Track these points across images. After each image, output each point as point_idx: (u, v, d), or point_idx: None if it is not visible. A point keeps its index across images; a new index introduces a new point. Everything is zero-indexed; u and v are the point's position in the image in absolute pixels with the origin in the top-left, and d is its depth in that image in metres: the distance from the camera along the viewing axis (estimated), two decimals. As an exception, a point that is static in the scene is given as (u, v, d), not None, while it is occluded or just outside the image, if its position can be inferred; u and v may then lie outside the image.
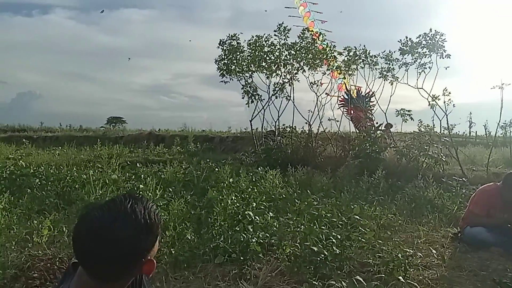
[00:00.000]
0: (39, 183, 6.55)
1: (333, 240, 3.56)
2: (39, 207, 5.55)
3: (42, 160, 9.72)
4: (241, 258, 3.74)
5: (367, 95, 11.61)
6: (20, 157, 9.94)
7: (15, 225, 4.53)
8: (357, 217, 4.14)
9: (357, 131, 11.00)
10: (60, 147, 14.14)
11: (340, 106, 11.72)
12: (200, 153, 13.59)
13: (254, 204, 4.77)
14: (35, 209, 5.44)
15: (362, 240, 3.92)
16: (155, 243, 1.30)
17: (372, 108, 11.57)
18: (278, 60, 11.35)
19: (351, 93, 11.58)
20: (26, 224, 4.63)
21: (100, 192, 5.66)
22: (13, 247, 3.78)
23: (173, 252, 3.73)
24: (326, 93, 11.06)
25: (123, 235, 1.19)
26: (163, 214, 4.63)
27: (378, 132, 9.90)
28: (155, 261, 1.30)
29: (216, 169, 8.25)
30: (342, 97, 11.91)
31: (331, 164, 9.26)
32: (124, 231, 1.20)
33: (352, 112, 11.56)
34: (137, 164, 9.95)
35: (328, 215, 4.42)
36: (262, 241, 4.01)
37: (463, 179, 7.58)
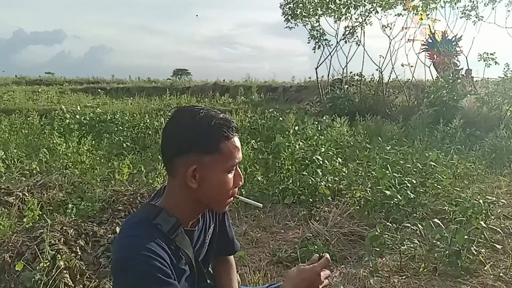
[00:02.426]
0: (116, 129, 6.99)
1: (408, 184, 3.43)
2: (117, 151, 5.96)
3: (116, 108, 10.31)
4: (310, 200, 3.76)
5: (453, 38, 10.57)
6: (97, 105, 10.62)
7: (98, 166, 4.92)
8: (433, 163, 3.93)
9: (440, 77, 10.16)
10: (131, 97, 14.87)
11: (422, 50, 10.83)
12: (264, 103, 13.60)
13: (323, 149, 4.70)
14: (114, 152, 5.85)
15: (438, 187, 3.74)
16: (208, 159, 1.21)
17: (458, 53, 10.53)
18: (348, 1, 10.68)
19: (436, 36, 10.60)
20: (107, 165, 5.01)
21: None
22: (98, 184, 4.12)
23: (243, 192, 3.84)
24: (408, 39, 10.28)
25: (179, 125, 1.22)
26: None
27: (457, 78, 9.10)
28: (194, 169, 1.19)
29: (280, 118, 8.22)
30: (425, 40, 10.96)
31: (403, 113, 8.84)
32: (183, 121, 1.22)
33: (435, 56, 10.66)
34: (205, 112, 10.18)
35: (401, 161, 4.25)
36: (331, 185, 3.99)
37: (554, 128, 6.86)
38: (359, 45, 11.19)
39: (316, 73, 12.29)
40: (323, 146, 4.97)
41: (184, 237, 1.31)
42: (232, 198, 1.32)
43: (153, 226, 1.23)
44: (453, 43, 10.50)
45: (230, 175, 1.26)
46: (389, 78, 10.77)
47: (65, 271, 2.41)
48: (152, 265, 1.15)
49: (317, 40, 11.63)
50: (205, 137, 1.20)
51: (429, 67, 10.51)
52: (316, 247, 2.74)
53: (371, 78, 11.55)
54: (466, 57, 9.50)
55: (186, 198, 1.27)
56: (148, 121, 7.47)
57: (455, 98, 8.26)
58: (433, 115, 8.10)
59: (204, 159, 1.21)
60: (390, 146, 4.87)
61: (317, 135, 6.23)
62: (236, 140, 1.26)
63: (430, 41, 10.81)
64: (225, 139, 1.22)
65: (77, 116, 7.56)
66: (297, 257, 2.68)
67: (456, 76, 8.70)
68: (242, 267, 2.59)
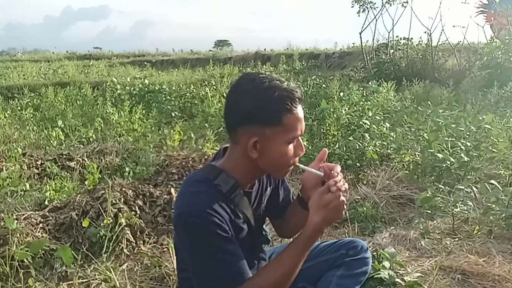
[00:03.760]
0: (164, 99, 7.19)
1: (461, 147, 3.33)
2: (166, 119, 6.17)
3: (163, 80, 10.55)
4: (357, 164, 3.74)
5: None
6: (144, 77, 10.91)
7: (149, 133, 5.12)
8: (488, 126, 3.77)
9: (495, 37, 9.44)
10: (176, 69, 15.13)
11: (478, 13, 10.07)
12: (306, 71, 13.39)
13: (370, 114, 4.62)
14: (164, 121, 6.06)
15: (493, 150, 3.60)
16: (270, 131, 1.23)
17: None
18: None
19: None
20: (158, 133, 5.21)
21: (219, 105, 6.02)
22: (151, 150, 4.31)
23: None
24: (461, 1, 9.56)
25: (243, 95, 1.24)
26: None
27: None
28: (256, 141, 1.22)
29: (323, 85, 8.08)
30: (481, 2, 10.16)
31: (453, 77, 8.40)
32: (246, 91, 1.24)
33: (492, 19, 9.89)
34: (248, 81, 10.21)
35: (453, 125, 4.10)
36: (378, 150, 3.94)
37: None
38: (405, 6, 10.65)
39: (360, 38, 11.90)
40: (370, 110, 4.87)
41: (243, 198, 1.37)
42: (292, 166, 1.34)
43: (213, 186, 1.30)
44: None
45: (291, 146, 1.28)
46: (439, 41, 10.22)
47: (126, 228, 2.59)
48: (211, 221, 1.21)
49: (361, 3, 11.18)
50: (267, 109, 1.21)
51: (482, 27, 9.84)
52: (365, 208, 2.76)
53: (419, 41, 11.02)
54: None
55: (246, 164, 1.31)
56: (194, 91, 7.61)
57: (511, 59, 7.75)
58: (486, 78, 7.66)
59: (266, 131, 1.22)
60: (441, 110, 4.69)
61: (363, 100, 6.11)
62: (299, 112, 1.26)
63: (486, 2, 10.02)
64: (287, 112, 1.22)
65: (127, 87, 7.84)
66: (346, 218, 2.72)
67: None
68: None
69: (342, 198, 1.22)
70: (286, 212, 1.67)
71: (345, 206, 1.24)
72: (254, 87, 1.23)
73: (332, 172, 1.31)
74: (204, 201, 1.25)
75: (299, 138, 1.31)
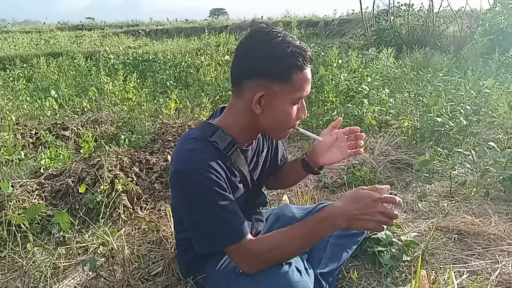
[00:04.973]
0: (159, 68, 7.07)
1: (461, 111, 3.29)
2: (162, 89, 6.08)
3: (157, 49, 10.36)
4: (356, 130, 3.71)
5: None
6: (138, 46, 10.70)
7: (144, 102, 5.05)
8: (489, 91, 3.72)
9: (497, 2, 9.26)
10: (171, 38, 14.86)
11: None
12: (305, 39, 13.16)
13: (369, 79, 4.54)
14: (159, 90, 5.98)
15: (493, 115, 3.56)
16: (278, 88, 1.19)
17: None
18: None
19: None
20: (153, 102, 5.14)
21: (214, 73, 5.92)
22: (146, 118, 4.26)
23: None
24: None
25: (254, 47, 1.19)
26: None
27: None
28: (262, 95, 1.20)
29: (322, 53, 7.94)
30: None
31: (454, 44, 8.27)
32: (258, 44, 1.19)
33: None
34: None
35: (452, 90, 4.05)
36: (377, 116, 3.91)
37: None
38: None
39: (360, 4, 11.64)
40: (369, 77, 4.80)
41: (240, 156, 1.34)
42: (292, 129, 1.32)
43: (209, 143, 1.27)
44: None
45: (295, 107, 1.26)
46: (440, 7, 10.02)
47: (123, 194, 2.57)
48: (208, 178, 1.19)
49: (361, -32, 10.87)
50: (278, 64, 1.17)
51: (486, -8, 9.63)
52: (362, 173, 2.74)
53: (420, 7, 10.79)
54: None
55: (246, 121, 1.29)
56: (189, 60, 7.48)
57: (513, 24, 7.60)
58: (488, 44, 7.53)
59: (273, 86, 1.19)
60: (441, 75, 4.63)
61: (362, 67, 6.01)
62: (308, 72, 1.23)
63: None
64: (298, 70, 1.19)
65: (121, 57, 7.69)
66: (343, 182, 2.71)
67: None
68: (289, 191, 2.66)
69: (383, 218, 1.12)
70: (281, 170, 1.70)
71: (384, 226, 1.13)
72: (267, 40, 1.19)
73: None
74: (200, 158, 1.22)
75: (303, 100, 1.29)
